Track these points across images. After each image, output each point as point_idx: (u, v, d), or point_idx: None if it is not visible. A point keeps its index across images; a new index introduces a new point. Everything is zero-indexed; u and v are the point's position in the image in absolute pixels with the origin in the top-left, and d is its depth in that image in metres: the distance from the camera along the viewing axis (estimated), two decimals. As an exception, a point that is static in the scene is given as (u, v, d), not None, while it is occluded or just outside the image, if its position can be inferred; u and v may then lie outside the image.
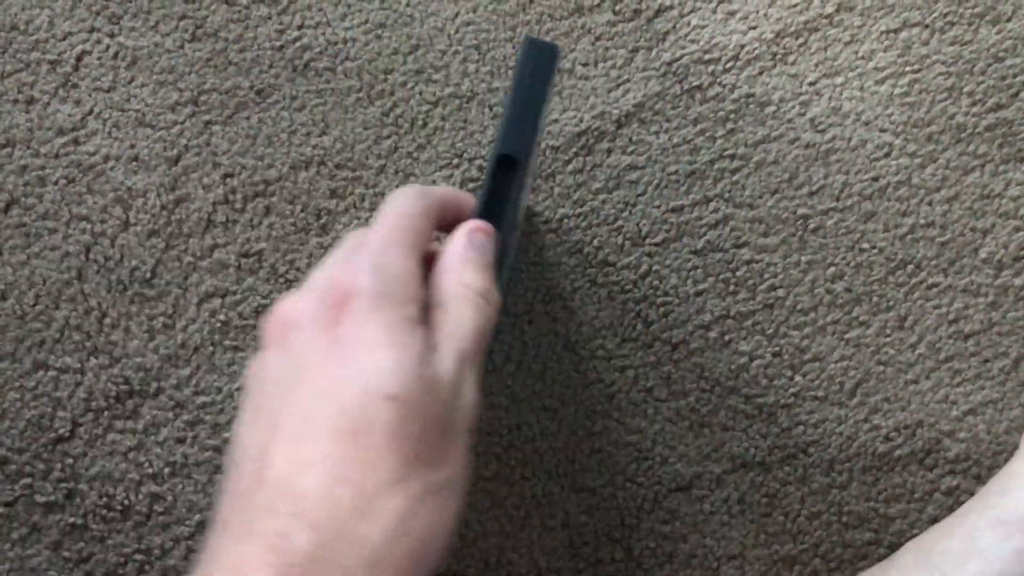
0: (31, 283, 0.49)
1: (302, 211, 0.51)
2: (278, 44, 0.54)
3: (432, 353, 0.30)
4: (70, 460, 0.46)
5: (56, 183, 0.51)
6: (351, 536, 0.27)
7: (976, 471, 0.46)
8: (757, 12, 0.55)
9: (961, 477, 0.46)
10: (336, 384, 0.29)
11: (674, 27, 0.55)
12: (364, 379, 0.29)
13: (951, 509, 0.46)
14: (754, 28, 0.54)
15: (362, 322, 0.30)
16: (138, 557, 0.46)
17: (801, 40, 0.54)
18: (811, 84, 0.53)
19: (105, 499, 0.46)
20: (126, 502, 0.46)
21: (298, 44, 0.54)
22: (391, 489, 0.28)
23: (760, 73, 0.54)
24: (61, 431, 0.46)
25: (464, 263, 0.33)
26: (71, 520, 0.46)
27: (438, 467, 0.29)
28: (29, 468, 0.46)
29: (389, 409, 0.28)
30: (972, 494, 0.46)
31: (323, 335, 0.30)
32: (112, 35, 0.53)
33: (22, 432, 0.47)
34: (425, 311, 0.32)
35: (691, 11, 0.55)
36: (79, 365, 0.47)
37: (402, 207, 0.35)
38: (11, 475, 0.46)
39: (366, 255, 0.32)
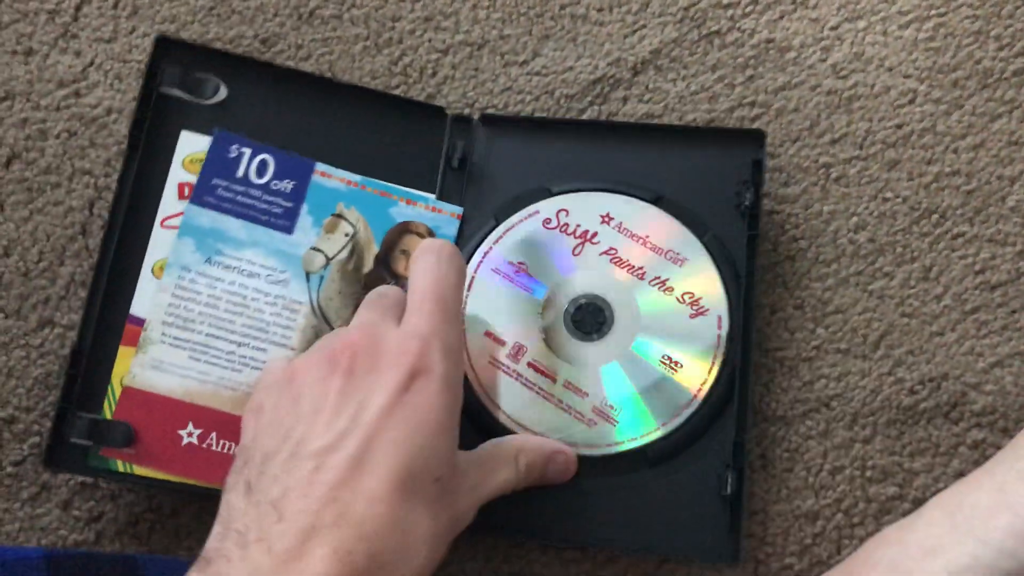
0: (35, 239, 0.48)
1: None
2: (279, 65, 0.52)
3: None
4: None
5: (58, 136, 0.49)
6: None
7: (1003, 424, 0.45)
8: (777, -46, 0.53)
9: (987, 430, 0.45)
10: (398, 442, 0.34)
11: (691, -29, 0.53)
12: (424, 454, 0.34)
13: (977, 463, 0.44)
14: (774, -29, 0.53)
15: (432, 402, 0.35)
16: (148, 516, 0.45)
17: (822, -17, 0.52)
18: (832, 29, 0.52)
19: (115, 458, 0.45)
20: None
21: (303, -9, 0.52)
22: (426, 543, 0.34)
23: (780, 17, 0.52)
24: (69, 389, 0.45)
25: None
26: (81, 479, 0.45)
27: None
28: (37, 427, 0.45)
29: (434, 487, 0.35)
30: (999, 447, 0.44)
31: (395, 393, 0.35)
32: (111, -17, 0.52)
33: (29, 390, 0.46)
34: None
35: (709, -46, 0.53)
36: (82, 318, 0.46)
37: (446, 278, 0.39)
38: (19, 434, 0.45)
39: (435, 335, 0.37)
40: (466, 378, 0.44)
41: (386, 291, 0.41)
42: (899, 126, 0.50)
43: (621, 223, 0.47)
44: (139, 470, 0.42)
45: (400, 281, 0.46)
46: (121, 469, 0.42)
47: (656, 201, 0.47)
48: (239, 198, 0.45)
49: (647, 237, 0.46)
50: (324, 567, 0.31)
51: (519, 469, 0.40)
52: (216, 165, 0.46)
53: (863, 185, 0.49)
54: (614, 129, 0.49)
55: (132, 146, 0.45)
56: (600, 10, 0.52)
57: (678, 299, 0.45)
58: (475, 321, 0.46)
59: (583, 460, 0.43)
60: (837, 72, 0.51)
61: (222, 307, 0.45)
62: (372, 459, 0.33)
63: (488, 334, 0.45)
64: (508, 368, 0.45)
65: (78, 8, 0.51)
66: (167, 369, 0.44)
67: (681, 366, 0.44)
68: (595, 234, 0.47)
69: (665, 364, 0.45)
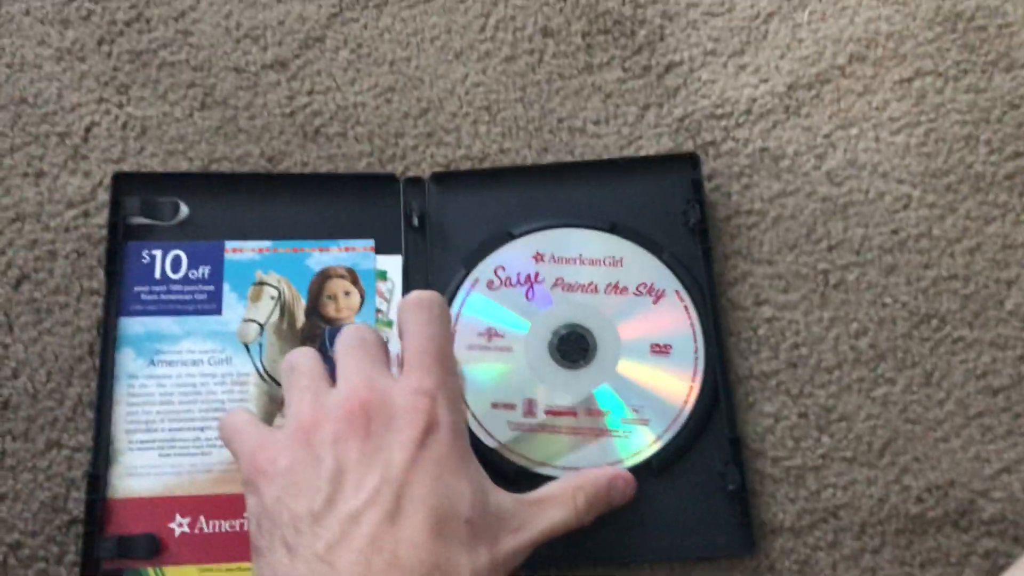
0: (43, 360, 0.48)
1: (315, 279, 0.51)
2: (288, 110, 0.53)
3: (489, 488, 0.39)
4: (84, 542, 0.45)
5: (67, 257, 0.50)
6: None
7: (1014, 532, 0.45)
8: (768, 65, 0.54)
9: (998, 539, 0.45)
10: (425, 493, 0.36)
11: (685, 83, 0.54)
12: (450, 500, 0.36)
13: (989, 573, 0.44)
14: (766, 81, 0.54)
15: (447, 452, 0.37)
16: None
17: (814, 92, 0.54)
18: (826, 136, 0.53)
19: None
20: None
21: (308, 110, 0.53)
22: None
23: (773, 127, 0.53)
24: (75, 513, 0.45)
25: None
26: (86, 605, 0.44)
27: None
28: (43, 552, 0.45)
29: (465, 528, 0.36)
30: (1011, 556, 0.44)
31: (414, 448, 0.37)
32: (121, 105, 0.53)
33: (35, 514, 0.46)
34: None
35: (701, 66, 0.55)
36: (92, 444, 0.46)
37: (441, 334, 0.41)
38: (24, 560, 0.45)
39: (440, 390, 0.39)
40: (500, 452, 0.46)
41: (363, 335, 0.42)
42: (895, 231, 0.51)
43: (552, 254, 0.50)
44: (170, 572, 0.44)
45: (334, 324, 0.48)
46: None
47: (612, 229, 0.50)
48: (163, 297, 0.48)
49: (580, 256, 0.50)
50: None
51: (578, 507, 0.41)
52: (134, 274, 0.49)
53: (862, 291, 0.50)
54: (560, 169, 0.52)
55: (110, 274, 0.49)
56: (596, 123, 0.53)
57: (634, 293, 0.49)
58: (478, 398, 0.47)
59: None
60: (832, 179, 0.52)
61: (176, 400, 0.47)
62: (404, 511, 0.35)
63: (495, 405, 0.47)
64: (531, 425, 0.47)
65: (88, 130, 0.53)
66: (141, 472, 0.45)
67: (671, 347, 0.48)
68: (536, 274, 0.49)
69: (657, 352, 0.48)
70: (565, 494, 0.41)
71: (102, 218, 0.51)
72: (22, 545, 0.45)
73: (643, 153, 0.52)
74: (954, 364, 0.48)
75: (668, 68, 0.54)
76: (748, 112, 0.53)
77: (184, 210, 0.49)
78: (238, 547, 0.44)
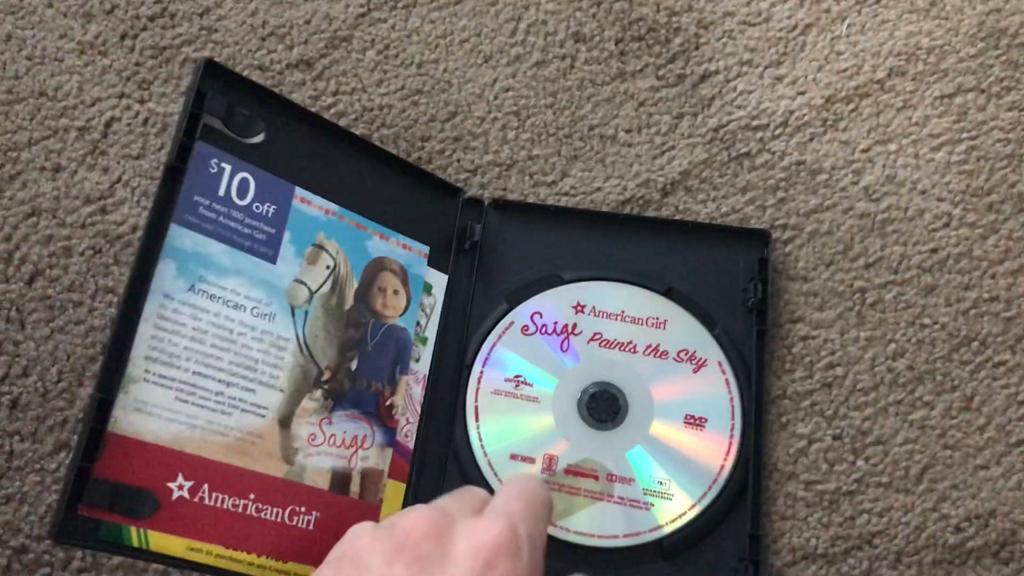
0: (54, 359, 0.47)
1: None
2: (312, 110, 0.52)
3: None
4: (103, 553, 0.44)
5: (82, 254, 0.49)
6: None
7: (1056, 565, 0.43)
8: (806, 77, 0.53)
9: (1040, 572, 0.43)
10: None
11: (720, 92, 0.53)
12: None
13: (1030, 607, 0.43)
14: (803, 93, 0.53)
15: None
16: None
17: (852, 106, 0.52)
18: (864, 151, 0.51)
19: (127, 591, 0.43)
20: (149, 594, 0.43)
21: (333, 111, 0.52)
22: None
23: (810, 140, 0.52)
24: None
25: None
26: (91, 614, 0.43)
27: None
28: (48, 557, 0.44)
29: None
30: (1053, 591, 0.43)
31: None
32: (142, 101, 0.52)
33: (42, 518, 0.44)
34: None
35: (737, 76, 0.53)
36: (104, 361, 0.44)
37: (536, 493, 0.35)
38: (29, 565, 0.44)
39: (521, 520, 0.32)
40: None
41: (471, 489, 0.37)
42: (934, 250, 0.49)
43: (594, 307, 0.48)
44: (155, 540, 0.37)
45: (379, 319, 0.45)
46: (136, 543, 0.37)
47: (667, 293, 0.48)
48: (221, 219, 0.42)
49: (623, 312, 0.47)
50: None
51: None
52: (197, 180, 0.41)
53: (900, 311, 0.48)
54: (624, 221, 0.49)
55: (172, 171, 0.41)
56: (629, 131, 0.52)
57: (675, 359, 0.46)
58: (497, 447, 0.45)
59: (598, 553, 0.43)
60: (869, 195, 0.50)
61: (208, 341, 0.41)
62: None
63: (513, 456, 0.44)
64: (548, 482, 0.44)
65: (108, 125, 0.51)
66: (152, 412, 0.39)
67: (706, 420, 0.45)
68: (574, 325, 0.47)
69: (690, 424, 0.45)
70: None
71: (120, 215, 0.50)
72: (27, 549, 0.44)
73: (706, 218, 0.50)
74: (995, 389, 0.46)
75: (703, 77, 0.53)
76: (784, 124, 0.52)
77: (262, 134, 0.44)
78: (238, 530, 0.39)
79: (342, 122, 0.52)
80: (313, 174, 0.45)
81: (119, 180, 0.50)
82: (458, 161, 0.51)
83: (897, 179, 0.51)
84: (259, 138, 0.44)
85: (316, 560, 0.41)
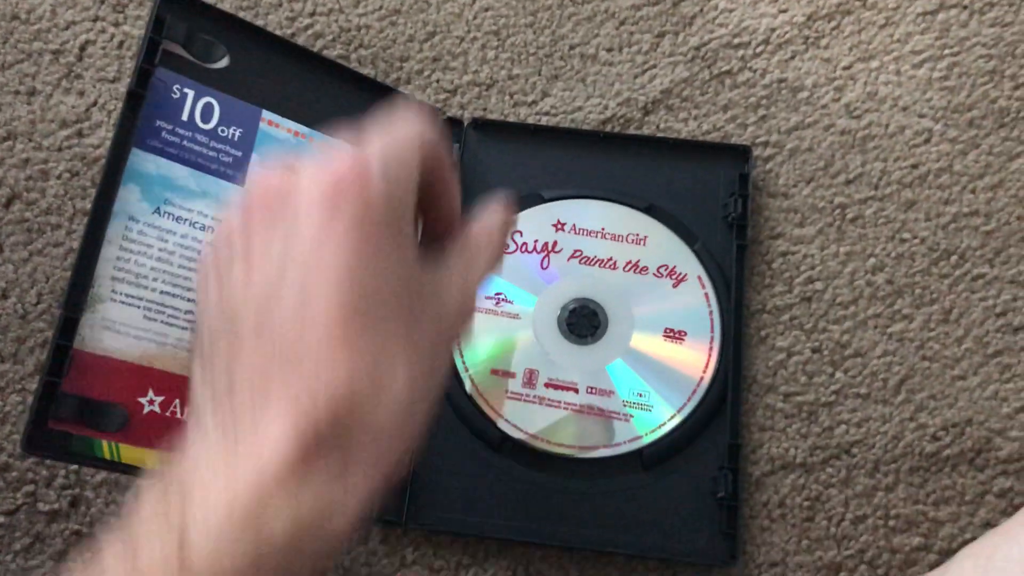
0: (33, 281, 0.47)
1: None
2: (289, 31, 0.51)
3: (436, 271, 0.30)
4: (74, 465, 0.44)
5: (59, 177, 0.48)
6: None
7: (1030, 471, 0.44)
8: (788, -6, 0.52)
9: (1014, 478, 0.44)
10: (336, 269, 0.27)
11: (701, 10, 0.52)
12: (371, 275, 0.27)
13: (1004, 512, 0.43)
14: (785, 11, 0.52)
15: (378, 234, 0.28)
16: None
17: (834, 23, 0.52)
18: (845, 68, 0.51)
19: (112, 506, 0.44)
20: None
21: (310, 31, 0.52)
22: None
23: (792, 57, 0.51)
24: (65, 435, 0.44)
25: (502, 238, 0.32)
26: (76, 528, 0.43)
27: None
28: (31, 475, 0.44)
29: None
30: (1027, 496, 0.43)
31: (324, 221, 0.27)
32: (117, 24, 0.51)
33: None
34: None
35: (719, -6, 0.53)
36: (71, 279, 0.44)
37: (413, 127, 0.30)
38: (12, 482, 0.44)
39: (377, 164, 0.28)
40: (495, 421, 0.44)
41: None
42: (915, 166, 0.49)
43: (574, 224, 0.48)
44: (126, 452, 0.38)
45: None
46: (107, 455, 0.38)
47: (647, 210, 0.48)
48: (185, 143, 0.42)
49: (603, 229, 0.47)
50: (281, 445, 0.25)
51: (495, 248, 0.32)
52: (159, 106, 0.41)
53: (880, 226, 0.48)
54: (604, 139, 0.49)
55: (133, 96, 0.41)
56: (610, 50, 0.52)
57: (655, 274, 0.46)
58: (478, 364, 0.45)
59: (579, 463, 0.44)
60: (851, 112, 0.50)
61: (175, 262, 0.41)
62: (313, 299, 0.27)
63: (495, 371, 0.45)
64: (529, 396, 0.44)
65: (83, 48, 0.51)
66: (120, 330, 0.39)
67: (686, 333, 0.45)
68: (555, 243, 0.47)
69: (669, 337, 0.45)
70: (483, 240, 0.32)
71: (97, 138, 0.49)
72: (10, 467, 0.44)
73: (687, 136, 0.49)
74: (973, 301, 0.47)
75: (684, -5, 0.53)
76: (766, 42, 0.52)
77: (226, 59, 0.44)
78: None
79: (319, 43, 0.51)
80: (280, 97, 0.45)
81: (95, 103, 0.50)
82: (437, 82, 0.51)
83: (878, 96, 0.50)
84: (223, 63, 0.44)
85: None
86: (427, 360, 0.28)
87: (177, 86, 0.43)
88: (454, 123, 0.49)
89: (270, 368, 0.26)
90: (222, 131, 0.43)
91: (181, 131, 0.42)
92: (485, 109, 0.51)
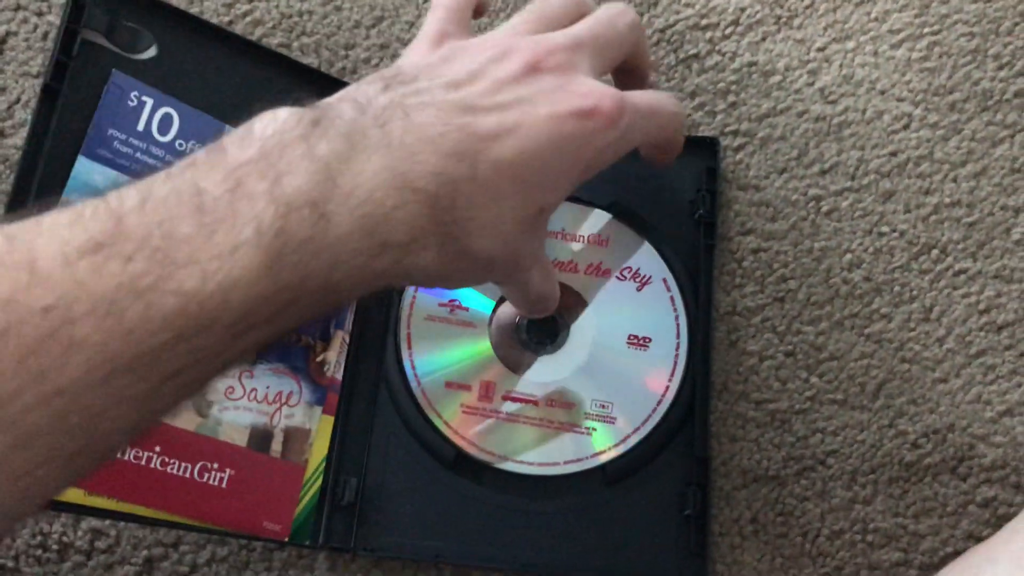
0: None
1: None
2: (227, 19, 0.48)
3: None
4: None
5: (-20, 181, 0.45)
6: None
7: (1015, 479, 0.41)
8: (758, -29, 0.49)
9: (999, 487, 0.41)
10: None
11: (667, -10, 0.49)
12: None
13: (988, 523, 0.41)
14: (755, -11, 0.49)
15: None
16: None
17: (807, 2, 0.49)
18: (820, 50, 0.48)
19: (40, 538, 0.41)
20: (64, 540, 0.41)
21: (248, 18, 0.48)
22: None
23: (763, 39, 0.48)
24: None
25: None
26: (0, 563, 0.40)
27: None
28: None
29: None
30: (1011, 506, 0.41)
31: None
32: (40, 13, 0.48)
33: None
34: None
35: (685, -29, 0.49)
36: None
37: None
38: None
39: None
40: (449, 438, 0.41)
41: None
42: (894, 153, 0.46)
43: None
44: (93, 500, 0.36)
45: None
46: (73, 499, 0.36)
47: (610, 207, 0.45)
48: (139, 155, 0.40)
49: (562, 231, 0.44)
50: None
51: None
52: (112, 113, 0.39)
53: (856, 219, 0.45)
54: None
55: (49, 95, 0.38)
56: (569, 34, 0.48)
57: (618, 277, 0.44)
58: (431, 375, 0.42)
59: (539, 480, 0.41)
60: (825, 97, 0.47)
61: None
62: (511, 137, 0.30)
63: (449, 384, 0.42)
64: (485, 410, 0.42)
65: (3, 40, 0.47)
66: None
67: (650, 340, 0.42)
68: None
69: (633, 345, 0.42)
70: None
71: (20, 138, 0.46)
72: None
73: None
74: (955, 298, 0.44)
75: (648, -26, 0.49)
76: (736, 23, 0.48)
77: (153, 49, 0.41)
78: (139, 485, 0.37)
79: (259, 31, 0.48)
80: (211, 90, 0.42)
81: (18, 101, 0.46)
82: (385, 71, 0.48)
83: (855, 79, 0.47)
84: (150, 53, 0.40)
85: (226, 520, 0.38)
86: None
87: (135, 93, 0.40)
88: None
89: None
90: (180, 145, 0.40)
91: (135, 142, 0.40)
92: (437, 99, 0.47)
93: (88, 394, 0.23)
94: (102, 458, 0.25)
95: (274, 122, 0.28)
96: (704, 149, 0.45)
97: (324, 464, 0.41)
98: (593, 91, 0.31)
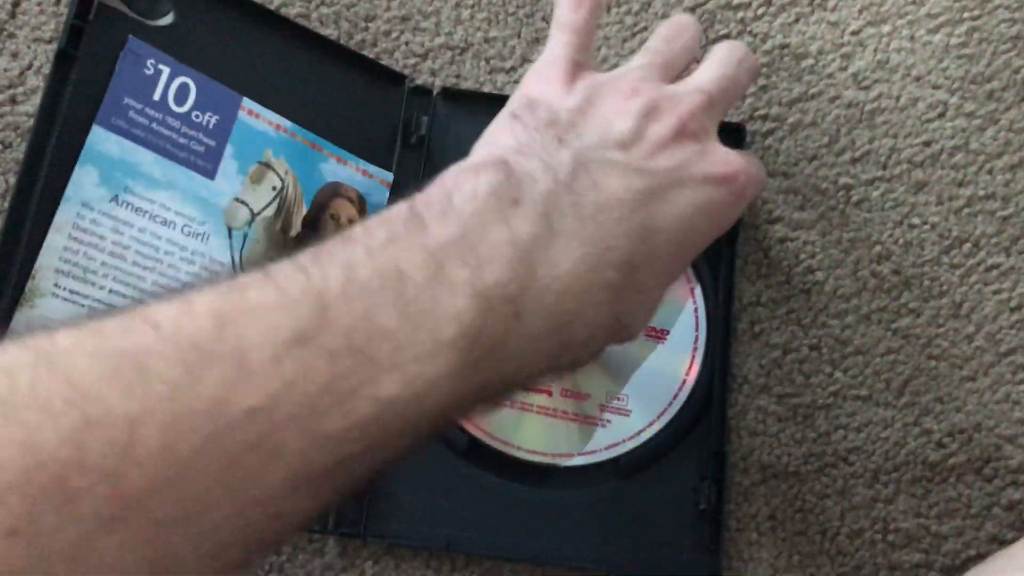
0: (-38, 265, 0.43)
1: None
2: (244, -13, 0.47)
3: None
4: None
5: (-10, 149, 0.44)
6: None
7: (1042, 483, 0.41)
8: (793, -51, 0.48)
9: (1025, 490, 0.41)
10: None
11: (698, -33, 0.47)
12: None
13: (1013, 527, 0.40)
14: (790, -32, 0.47)
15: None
16: None
17: (843, -18, 0.47)
18: (854, 34, 0.46)
19: None
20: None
21: (266, -13, 0.47)
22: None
23: (796, 20, 0.47)
24: None
25: None
26: None
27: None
28: None
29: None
30: (1038, 510, 0.40)
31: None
32: (54, -23, 0.47)
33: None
34: None
35: (717, -52, 0.48)
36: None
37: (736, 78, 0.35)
38: None
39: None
40: (463, 427, 0.41)
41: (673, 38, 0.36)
42: (927, 143, 0.45)
43: None
44: None
45: None
46: None
47: None
48: (155, 126, 0.39)
49: None
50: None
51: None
52: (128, 81, 0.38)
53: (887, 210, 0.44)
54: None
55: (63, 61, 0.37)
56: (596, 10, 0.47)
57: None
58: None
59: (552, 471, 0.40)
60: (859, 82, 0.46)
61: (130, 259, 0.37)
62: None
63: None
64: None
65: (16, 5, 0.46)
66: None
67: (668, 332, 0.41)
68: None
69: (651, 337, 0.42)
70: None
71: (32, 105, 0.45)
72: None
73: None
74: (986, 294, 0.43)
75: (679, -50, 0.48)
76: (768, 3, 0.47)
77: (170, 16, 0.40)
78: None
79: (275, 2, 0.47)
80: (226, 59, 0.41)
81: (30, 67, 0.45)
82: (406, 44, 0.46)
83: (889, 64, 0.46)
84: (168, 19, 0.39)
85: None
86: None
87: (152, 61, 0.39)
88: (421, 92, 0.45)
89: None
90: (196, 116, 0.39)
91: (151, 112, 0.39)
92: (459, 75, 0.46)
93: (278, 504, 0.22)
94: (248, 567, 0.24)
95: (475, 196, 0.26)
96: (730, 136, 0.44)
97: (336, 449, 0.40)
98: (730, 161, 0.31)
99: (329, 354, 0.22)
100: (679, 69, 0.35)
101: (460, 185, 0.27)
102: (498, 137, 0.31)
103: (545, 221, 0.26)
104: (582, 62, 0.33)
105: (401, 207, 0.26)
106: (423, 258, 0.25)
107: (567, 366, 0.27)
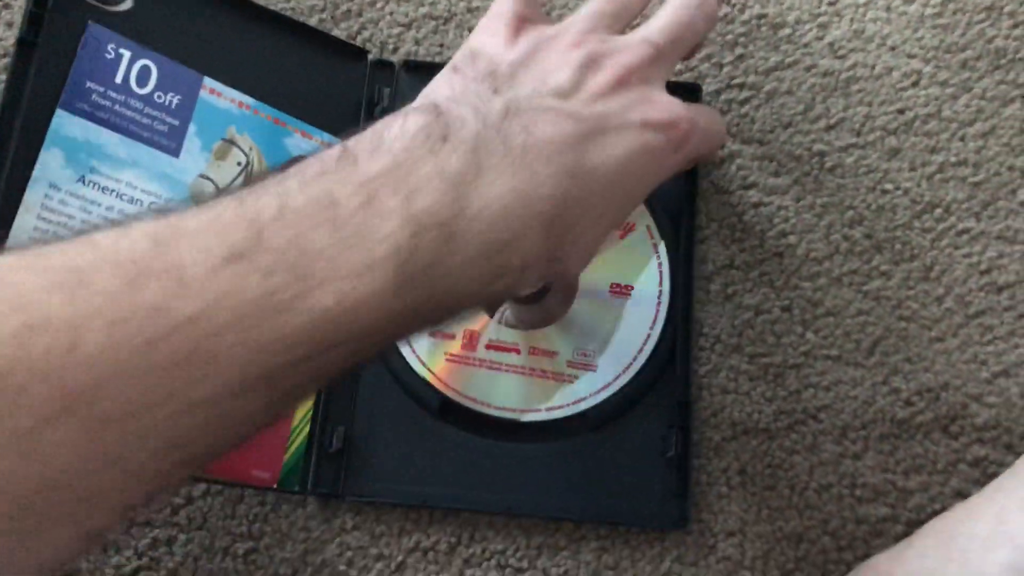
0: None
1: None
2: (233, -41, 0.48)
3: None
4: None
5: (-14, 115, 0.45)
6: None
7: (1007, 440, 0.41)
8: (772, -79, 0.48)
9: (990, 447, 0.41)
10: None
11: (678, -61, 0.48)
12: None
13: (978, 482, 0.41)
14: (768, -60, 0.48)
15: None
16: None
17: (821, -47, 0.48)
18: (831, 3, 0.47)
19: None
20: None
21: (255, -41, 0.48)
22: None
23: (774, -9, 0.48)
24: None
25: None
26: None
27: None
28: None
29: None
30: (1002, 466, 0.41)
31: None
32: (48, -51, 0.48)
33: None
34: None
35: (697, -80, 0.49)
36: None
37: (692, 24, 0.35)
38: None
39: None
40: (434, 385, 0.42)
41: None
42: (901, 111, 0.46)
43: None
44: None
45: None
46: None
47: None
48: (117, 108, 0.40)
49: None
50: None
51: None
52: (89, 65, 0.39)
53: (860, 176, 0.45)
54: None
55: (25, 48, 0.38)
56: (577, -19, 0.48)
57: None
58: None
59: (522, 426, 0.41)
60: (835, 51, 0.47)
61: None
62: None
63: (433, 334, 0.42)
64: (469, 359, 0.42)
65: (11, -25, 0.47)
66: None
67: (632, 288, 0.43)
68: None
69: (616, 293, 0.43)
70: None
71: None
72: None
73: None
74: (956, 258, 0.44)
75: (659, -78, 0.49)
76: (746, -26, 0.48)
77: (128, 1, 0.41)
78: None
79: (265, -29, 0.48)
80: (220, 59, 0.42)
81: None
82: (391, 14, 0.47)
83: (865, 34, 0.47)
84: (126, 5, 0.41)
85: (214, 468, 0.39)
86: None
87: (112, 45, 0.40)
88: (384, 66, 0.46)
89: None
90: (159, 97, 0.41)
91: (113, 95, 0.40)
92: (442, 45, 0.47)
93: (219, 408, 0.23)
94: (200, 467, 0.25)
95: (403, 134, 0.28)
96: (686, 94, 0.45)
97: (311, 413, 0.41)
98: (672, 108, 0.32)
99: (263, 270, 0.24)
100: (631, 17, 0.36)
101: (390, 124, 0.28)
102: (436, 87, 0.33)
103: (473, 156, 0.27)
104: (528, 15, 0.34)
105: (335, 147, 0.28)
106: (354, 188, 0.26)
107: (503, 292, 0.28)
